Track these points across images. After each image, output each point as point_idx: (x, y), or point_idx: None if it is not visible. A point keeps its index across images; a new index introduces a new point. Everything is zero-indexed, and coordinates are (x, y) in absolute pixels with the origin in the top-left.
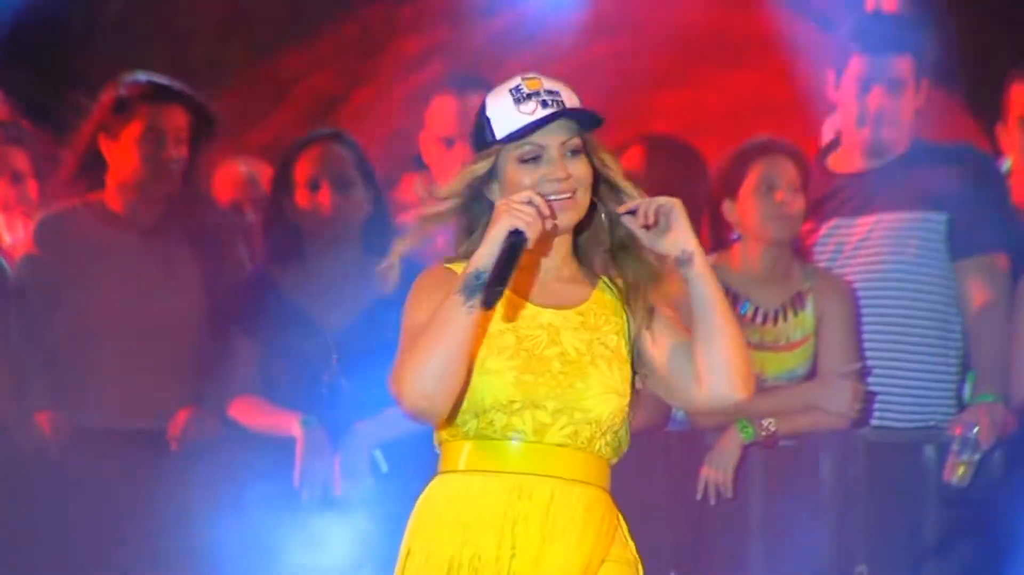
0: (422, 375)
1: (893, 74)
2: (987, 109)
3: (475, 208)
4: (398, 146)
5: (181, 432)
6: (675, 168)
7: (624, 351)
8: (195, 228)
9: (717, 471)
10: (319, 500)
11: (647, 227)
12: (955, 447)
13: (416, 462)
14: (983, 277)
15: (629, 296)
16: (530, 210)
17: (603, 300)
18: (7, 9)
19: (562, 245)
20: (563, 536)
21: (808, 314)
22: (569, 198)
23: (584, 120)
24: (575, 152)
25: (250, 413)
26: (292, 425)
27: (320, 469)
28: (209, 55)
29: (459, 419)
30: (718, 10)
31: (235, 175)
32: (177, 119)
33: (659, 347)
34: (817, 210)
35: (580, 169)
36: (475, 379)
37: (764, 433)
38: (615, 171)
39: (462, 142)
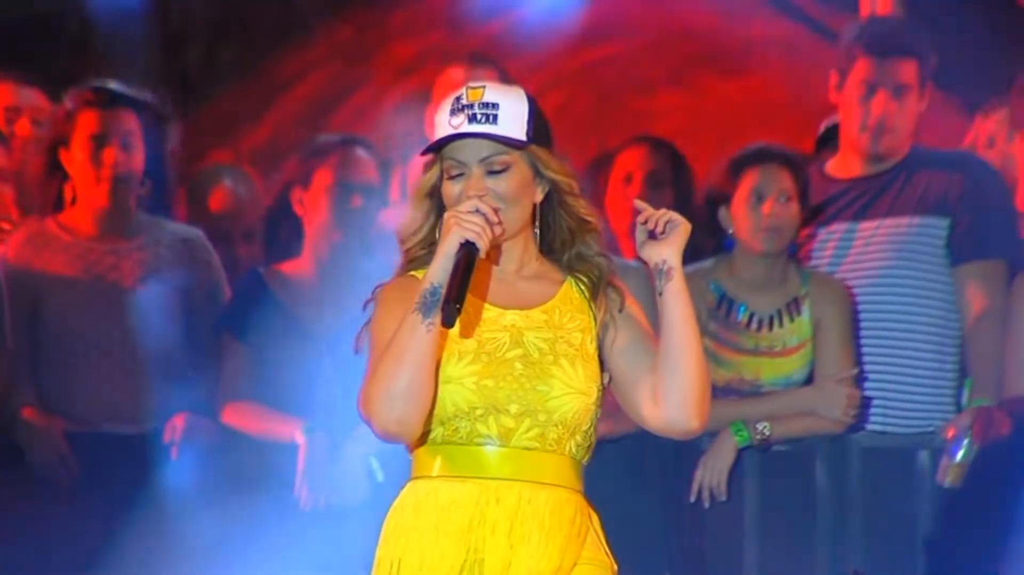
0: (390, 399)
1: (899, 79)
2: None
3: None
4: (392, 150)
5: (178, 438)
6: (671, 170)
7: (590, 348)
8: (164, 232)
9: (711, 474)
10: (318, 507)
11: (652, 234)
12: (948, 450)
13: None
14: (981, 283)
15: (593, 296)
16: (478, 219)
17: (569, 297)
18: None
19: (516, 247)
20: (530, 540)
21: (805, 320)
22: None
23: (512, 140)
24: (497, 172)
25: (247, 418)
26: (295, 432)
27: (322, 476)
28: (202, 58)
29: (426, 428)
30: (714, 14)
31: (226, 195)
32: (125, 123)
33: (621, 354)
34: (816, 215)
35: (501, 186)
36: (439, 388)
37: (759, 437)
38: (565, 185)
39: None
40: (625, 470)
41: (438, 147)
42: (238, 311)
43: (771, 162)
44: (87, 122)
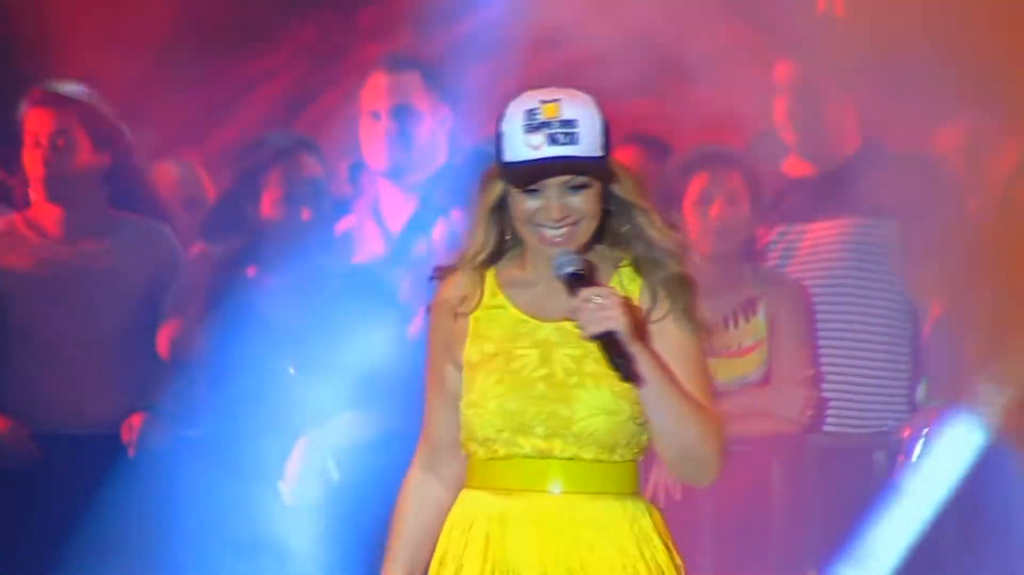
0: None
1: (808, 79)
2: None
3: (500, 218)
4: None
5: (135, 437)
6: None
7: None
8: (136, 231)
9: (666, 473)
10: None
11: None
12: (904, 450)
13: (367, 469)
14: (936, 285)
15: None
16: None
17: None
18: None
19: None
20: (571, 554)
21: (760, 320)
22: (564, 234)
23: (591, 163)
24: (578, 188)
25: None
26: None
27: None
28: (160, 59)
29: (467, 446)
30: (683, 20)
31: (171, 178)
32: (60, 122)
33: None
34: (768, 214)
35: (580, 203)
36: (464, 411)
37: None
38: (640, 203)
39: (388, 117)
40: None
41: (520, 173)
42: (202, 309)
43: (719, 164)
44: (30, 121)
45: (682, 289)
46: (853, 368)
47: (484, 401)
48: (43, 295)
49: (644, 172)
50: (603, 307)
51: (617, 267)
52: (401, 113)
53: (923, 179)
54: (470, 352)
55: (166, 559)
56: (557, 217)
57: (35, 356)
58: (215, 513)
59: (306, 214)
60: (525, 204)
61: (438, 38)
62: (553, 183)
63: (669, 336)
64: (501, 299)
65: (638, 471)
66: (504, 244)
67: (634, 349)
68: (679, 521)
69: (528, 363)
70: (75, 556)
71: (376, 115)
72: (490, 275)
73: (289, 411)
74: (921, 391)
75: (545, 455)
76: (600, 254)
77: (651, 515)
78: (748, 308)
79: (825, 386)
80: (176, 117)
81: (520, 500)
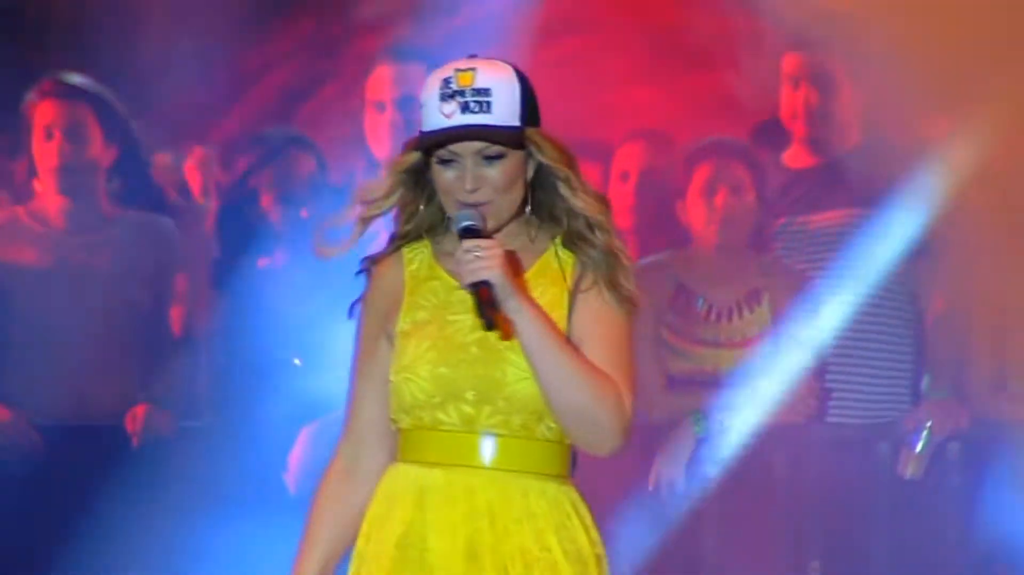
0: None
1: (820, 70)
2: None
3: (417, 187)
4: (361, 145)
5: (139, 427)
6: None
7: (558, 325)
8: (138, 224)
9: (669, 464)
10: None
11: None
12: (908, 441)
13: None
14: (940, 277)
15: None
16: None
17: (547, 267)
18: None
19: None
20: (483, 531)
21: (764, 311)
22: (482, 205)
23: (503, 131)
24: (492, 158)
25: None
26: None
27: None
28: (160, 52)
29: (394, 416)
30: (682, 9)
31: (170, 172)
32: (76, 115)
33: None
34: (772, 205)
35: (495, 175)
36: (393, 378)
37: (718, 428)
38: (561, 171)
39: (392, 108)
40: (585, 462)
41: (431, 141)
42: (207, 299)
43: (724, 154)
44: (41, 113)
45: (608, 261)
46: (855, 358)
47: (416, 366)
48: (46, 286)
49: (651, 167)
50: (481, 258)
51: (553, 240)
52: (406, 104)
53: (924, 171)
54: (403, 322)
55: (169, 550)
56: (470, 187)
57: (38, 347)
58: (219, 504)
59: (304, 213)
60: (443, 175)
61: (438, 29)
62: (467, 153)
63: (591, 306)
64: (437, 271)
65: (567, 455)
66: (427, 219)
67: (513, 303)
68: (683, 511)
69: (461, 328)
70: (79, 547)
71: (381, 106)
72: (427, 249)
73: (294, 402)
74: (925, 382)
75: (471, 426)
76: (537, 228)
77: (574, 500)
78: (752, 299)
79: (828, 377)
80: (176, 111)
81: (443, 474)
